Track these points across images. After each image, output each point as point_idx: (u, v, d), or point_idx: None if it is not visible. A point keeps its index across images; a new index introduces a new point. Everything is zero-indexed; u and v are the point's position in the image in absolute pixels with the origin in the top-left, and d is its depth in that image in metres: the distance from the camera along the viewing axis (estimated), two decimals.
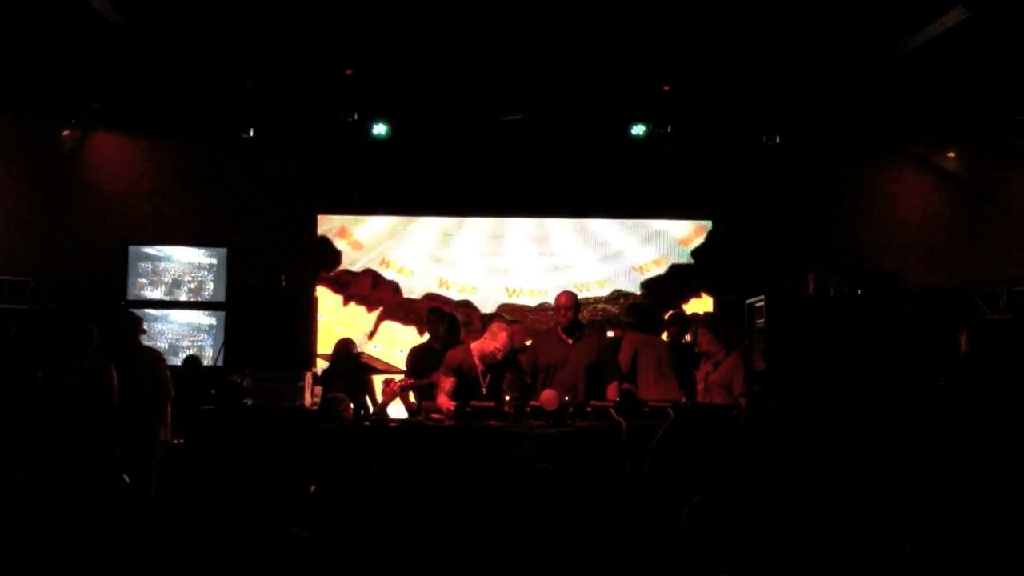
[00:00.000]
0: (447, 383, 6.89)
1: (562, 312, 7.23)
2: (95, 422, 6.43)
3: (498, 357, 6.82)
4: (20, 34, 8.43)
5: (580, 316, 7.73)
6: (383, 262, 10.82)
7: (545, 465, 4.70)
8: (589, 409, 6.59)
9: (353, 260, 10.82)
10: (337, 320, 10.48)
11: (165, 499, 6.42)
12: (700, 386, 7.11)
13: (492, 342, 6.81)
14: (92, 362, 6.59)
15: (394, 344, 10.37)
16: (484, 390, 6.81)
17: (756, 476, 5.69)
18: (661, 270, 10.86)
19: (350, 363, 7.64)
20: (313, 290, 9.92)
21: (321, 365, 8.15)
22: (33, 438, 6.36)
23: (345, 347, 8.09)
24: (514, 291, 10.83)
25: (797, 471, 5.79)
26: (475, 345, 7.00)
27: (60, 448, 6.26)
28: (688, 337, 8.21)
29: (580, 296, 8.24)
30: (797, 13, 8.01)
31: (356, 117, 9.97)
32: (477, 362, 6.87)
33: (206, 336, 9.71)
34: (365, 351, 8.99)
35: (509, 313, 10.24)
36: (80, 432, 6.36)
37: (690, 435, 6.22)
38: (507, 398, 6.63)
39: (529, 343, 8.14)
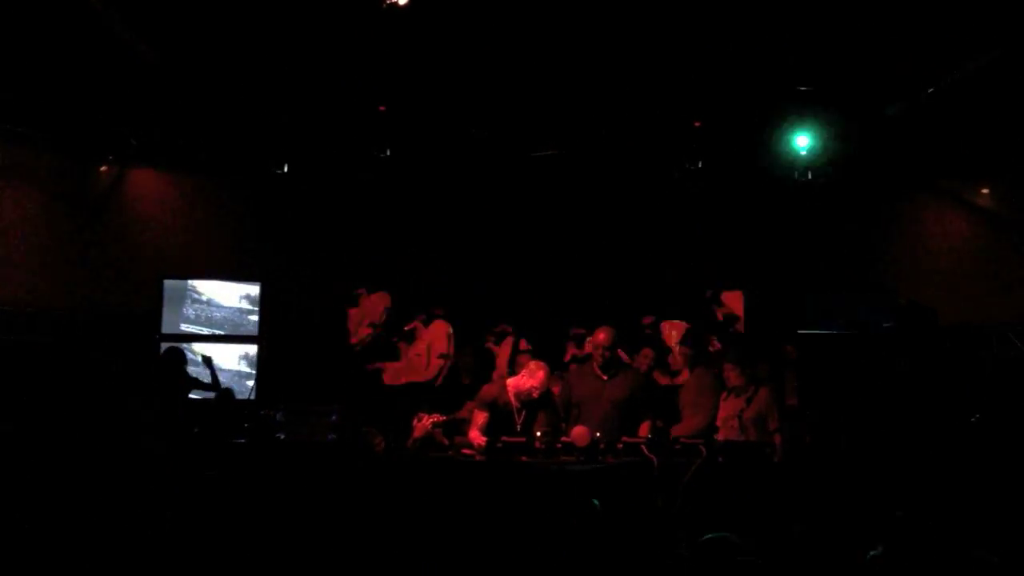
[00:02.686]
0: (480, 417, 6.83)
1: (600, 349, 7.14)
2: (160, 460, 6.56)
3: (534, 395, 6.76)
4: (58, 72, 8.59)
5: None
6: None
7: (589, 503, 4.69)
8: (620, 446, 6.55)
9: None
10: None
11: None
12: (734, 422, 6.98)
13: (529, 379, 6.76)
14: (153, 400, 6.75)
15: None
16: (518, 427, 6.77)
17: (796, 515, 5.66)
18: None
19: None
20: (346, 324, 9.96)
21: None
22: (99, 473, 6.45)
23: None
24: None
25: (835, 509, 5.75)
26: (511, 381, 6.95)
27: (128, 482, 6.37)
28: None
29: None
30: (830, 49, 8.03)
31: (388, 153, 10.04)
32: (512, 399, 6.82)
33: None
34: None
35: None
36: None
37: (722, 472, 6.19)
38: (538, 434, 6.59)
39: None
